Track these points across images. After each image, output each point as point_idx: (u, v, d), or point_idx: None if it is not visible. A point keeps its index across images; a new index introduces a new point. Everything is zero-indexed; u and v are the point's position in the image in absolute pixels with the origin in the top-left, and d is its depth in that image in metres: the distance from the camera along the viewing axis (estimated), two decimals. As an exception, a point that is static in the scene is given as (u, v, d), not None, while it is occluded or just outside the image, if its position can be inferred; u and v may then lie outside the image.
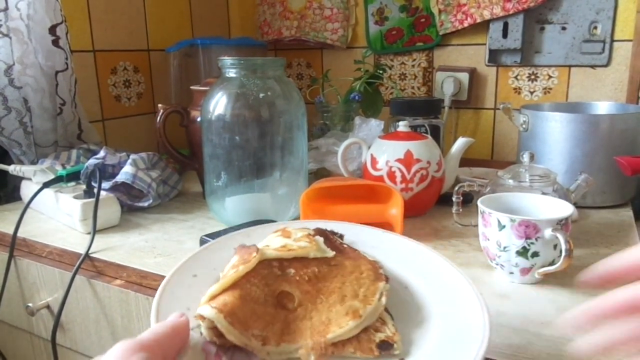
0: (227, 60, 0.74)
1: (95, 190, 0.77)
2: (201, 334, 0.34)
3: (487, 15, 1.12)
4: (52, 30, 0.93)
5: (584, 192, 0.72)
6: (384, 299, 0.37)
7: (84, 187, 0.80)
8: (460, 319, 0.37)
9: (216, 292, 0.35)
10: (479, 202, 0.59)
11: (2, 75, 0.90)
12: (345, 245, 0.44)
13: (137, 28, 1.22)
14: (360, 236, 0.47)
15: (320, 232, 0.44)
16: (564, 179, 0.78)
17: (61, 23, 0.95)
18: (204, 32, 1.40)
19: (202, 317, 0.34)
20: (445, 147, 0.96)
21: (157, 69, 1.27)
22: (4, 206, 0.92)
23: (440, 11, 1.18)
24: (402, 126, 0.82)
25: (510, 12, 1.09)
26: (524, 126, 0.87)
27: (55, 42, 0.94)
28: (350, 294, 0.37)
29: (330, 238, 0.44)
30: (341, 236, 0.46)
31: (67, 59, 0.96)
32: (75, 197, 0.78)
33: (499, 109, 1.20)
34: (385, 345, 0.35)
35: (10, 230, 0.76)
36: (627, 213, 0.81)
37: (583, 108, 0.97)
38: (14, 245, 0.75)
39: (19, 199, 0.93)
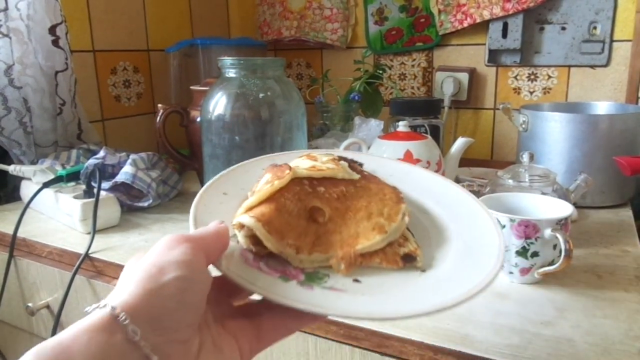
0: (227, 60, 0.74)
1: (95, 190, 0.77)
2: (237, 242, 0.36)
3: (486, 15, 1.12)
4: (52, 30, 0.93)
5: (583, 192, 0.72)
6: (406, 219, 0.39)
7: (83, 187, 0.80)
8: (477, 239, 0.40)
9: (253, 204, 0.37)
10: (478, 202, 0.59)
11: (2, 75, 0.90)
12: (366, 173, 0.45)
13: (137, 28, 1.22)
14: (378, 166, 0.49)
15: (343, 159, 0.46)
16: (564, 179, 0.78)
17: (61, 23, 0.95)
18: (204, 32, 1.40)
19: (242, 226, 0.36)
20: (444, 147, 0.96)
21: (157, 69, 1.27)
22: (4, 206, 0.92)
23: (440, 11, 1.19)
24: (402, 126, 0.82)
25: (510, 12, 1.09)
26: (523, 126, 0.87)
27: (55, 42, 0.94)
28: (376, 212, 0.40)
29: (353, 165, 0.46)
30: (361, 164, 0.47)
31: (67, 59, 0.96)
32: (75, 197, 0.78)
33: (498, 109, 1.20)
34: (408, 258, 0.37)
35: (10, 230, 0.76)
36: (627, 213, 0.81)
37: (582, 108, 0.97)
38: (14, 245, 0.75)
39: (19, 199, 0.93)
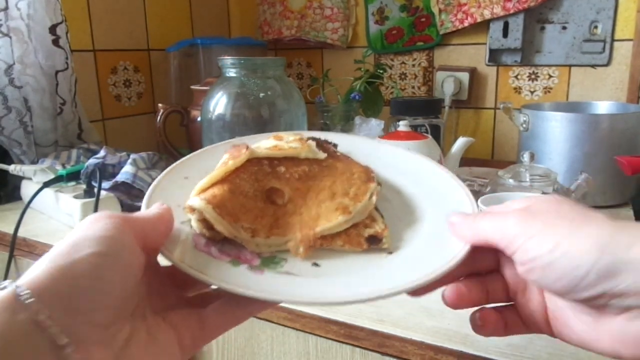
0: (227, 60, 0.74)
1: (96, 190, 0.77)
2: (191, 227, 0.34)
3: (487, 14, 1.12)
4: (52, 29, 0.93)
5: (584, 192, 0.71)
6: (374, 198, 0.37)
7: (84, 186, 0.80)
8: (446, 209, 0.37)
9: (205, 186, 0.35)
10: (479, 202, 0.59)
11: (2, 74, 0.90)
12: (338, 153, 0.43)
13: (137, 28, 1.22)
14: (354, 146, 0.46)
15: (312, 139, 0.43)
16: (564, 178, 0.78)
17: (61, 23, 0.95)
18: (204, 32, 1.40)
19: (192, 209, 0.34)
20: (445, 146, 0.96)
21: (157, 68, 1.27)
22: (4, 206, 0.92)
23: (440, 11, 1.18)
24: (403, 126, 0.82)
25: (511, 12, 1.09)
26: (524, 126, 0.87)
27: (56, 42, 0.94)
28: (340, 192, 0.37)
29: (324, 145, 0.43)
30: (335, 145, 0.44)
31: (67, 58, 0.96)
32: (76, 197, 0.78)
33: (499, 108, 1.20)
34: (373, 240, 0.35)
35: (10, 230, 0.76)
36: (628, 213, 0.81)
37: (583, 108, 0.97)
38: (14, 245, 0.75)
39: (19, 198, 0.93)
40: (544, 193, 0.65)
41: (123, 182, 0.83)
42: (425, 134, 0.83)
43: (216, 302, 0.32)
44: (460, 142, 0.84)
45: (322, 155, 0.40)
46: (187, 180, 0.40)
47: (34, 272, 0.24)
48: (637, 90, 1.01)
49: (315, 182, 0.38)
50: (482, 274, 0.35)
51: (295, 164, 0.39)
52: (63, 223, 0.81)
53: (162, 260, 0.31)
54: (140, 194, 0.86)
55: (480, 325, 0.34)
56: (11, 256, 0.75)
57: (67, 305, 0.24)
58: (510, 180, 0.69)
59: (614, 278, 0.26)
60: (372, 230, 0.36)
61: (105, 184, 0.82)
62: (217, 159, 0.40)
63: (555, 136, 0.82)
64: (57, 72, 0.96)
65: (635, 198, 0.86)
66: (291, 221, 0.36)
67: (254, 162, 0.38)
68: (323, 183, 0.38)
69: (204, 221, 0.34)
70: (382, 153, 0.46)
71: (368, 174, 0.39)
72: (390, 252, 0.35)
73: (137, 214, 0.30)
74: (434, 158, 0.77)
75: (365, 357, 0.51)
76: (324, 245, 0.35)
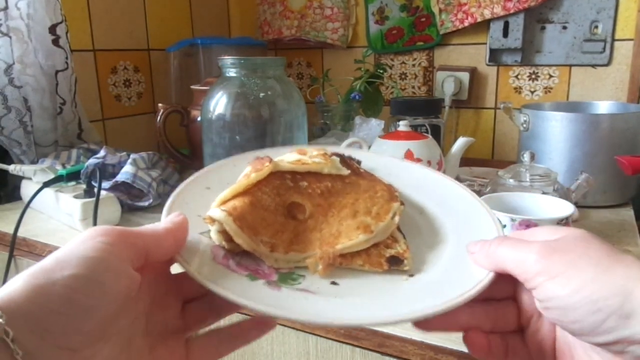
0: (228, 59, 0.74)
1: (96, 190, 0.77)
2: (210, 238, 0.34)
3: (487, 14, 1.11)
4: (52, 29, 0.93)
5: (584, 192, 0.71)
6: (397, 218, 0.37)
7: (84, 186, 0.80)
8: (473, 233, 0.36)
9: (227, 197, 0.35)
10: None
11: (2, 74, 0.90)
12: (362, 170, 0.43)
13: (137, 28, 1.22)
14: (378, 164, 0.46)
15: (337, 154, 0.42)
16: (565, 178, 0.78)
17: (61, 22, 0.94)
18: (204, 32, 1.40)
19: (212, 220, 0.34)
20: (445, 146, 0.96)
21: (157, 68, 1.27)
22: (4, 206, 0.92)
23: (440, 10, 1.18)
24: (403, 126, 0.82)
25: (511, 12, 1.09)
26: (524, 126, 0.87)
27: (55, 42, 0.94)
28: (362, 210, 0.37)
29: (347, 161, 0.43)
30: (358, 162, 0.44)
31: (67, 58, 0.96)
32: (76, 197, 0.78)
33: (499, 108, 1.20)
34: (395, 260, 0.34)
35: (10, 230, 0.76)
36: (628, 212, 0.81)
37: (584, 107, 0.97)
38: (14, 244, 0.75)
39: (19, 198, 0.93)
40: (544, 193, 0.65)
41: (123, 182, 0.83)
42: (426, 134, 0.83)
43: (204, 336, 0.32)
44: (460, 142, 0.84)
45: (345, 171, 0.40)
46: (208, 190, 0.40)
47: (12, 286, 0.24)
48: (637, 90, 1.01)
49: (337, 199, 0.38)
50: (495, 299, 0.34)
51: (318, 179, 0.38)
52: (63, 223, 0.81)
53: (176, 268, 0.31)
54: (140, 194, 0.86)
55: (471, 347, 0.33)
56: (11, 256, 0.75)
57: (35, 326, 0.23)
58: (511, 180, 0.69)
59: (636, 325, 0.25)
60: (393, 250, 0.35)
61: (105, 184, 0.82)
62: (240, 171, 0.39)
63: (556, 136, 0.82)
64: (57, 72, 0.96)
65: (635, 198, 0.86)
66: (311, 237, 0.35)
67: (277, 175, 0.37)
68: (345, 200, 0.38)
69: (223, 233, 0.33)
70: (406, 172, 0.46)
71: (391, 193, 0.39)
72: (412, 275, 0.34)
73: (142, 228, 0.30)
74: (434, 158, 0.77)
75: (365, 357, 0.51)
76: (343, 264, 0.34)
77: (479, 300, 0.31)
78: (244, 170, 0.39)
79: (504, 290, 0.33)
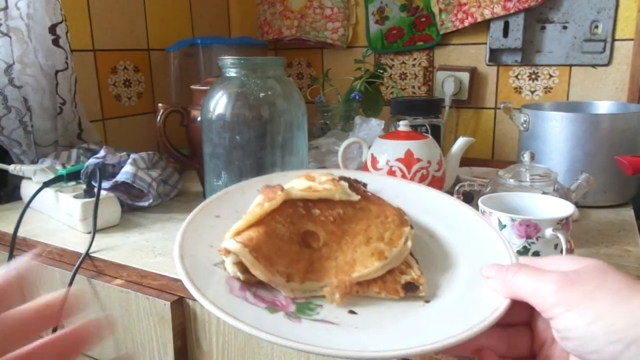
0: (228, 59, 0.74)
1: (96, 190, 0.77)
2: (224, 269, 0.34)
3: (487, 14, 1.11)
4: (52, 29, 0.93)
5: (584, 192, 0.71)
6: (409, 243, 0.37)
7: (84, 186, 0.80)
8: (485, 257, 0.37)
9: (241, 228, 0.35)
10: (479, 202, 0.59)
11: (2, 74, 0.90)
12: (369, 193, 0.43)
13: (137, 27, 1.22)
14: (384, 186, 0.46)
15: (344, 178, 0.43)
16: (565, 178, 0.78)
17: (61, 22, 0.94)
18: (204, 32, 1.40)
19: (227, 252, 0.34)
20: (445, 146, 0.96)
21: (157, 68, 1.27)
22: (4, 206, 0.92)
23: (440, 10, 1.18)
24: (403, 126, 0.82)
25: (511, 12, 1.09)
26: (524, 126, 0.87)
27: (55, 42, 0.94)
28: (375, 237, 0.37)
29: (354, 185, 0.43)
30: (364, 185, 0.45)
31: (67, 58, 0.96)
32: (76, 197, 0.78)
33: (499, 108, 1.19)
34: (410, 287, 0.35)
35: (10, 230, 0.76)
36: (628, 212, 0.81)
37: (584, 107, 0.97)
38: (14, 244, 0.75)
39: (19, 198, 0.93)
40: (544, 193, 0.65)
41: (123, 182, 0.83)
42: (426, 134, 0.83)
43: None
44: (460, 142, 0.84)
45: (355, 197, 0.40)
46: (218, 219, 0.40)
47: None
48: (637, 90, 1.01)
49: (350, 226, 0.38)
50: (511, 325, 0.34)
51: (330, 206, 0.39)
52: (63, 223, 0.81)
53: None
54: (140, 194, 0.87)
55: None
56: (11, 256, 0.75)
57: None
58: (511, 180, 0.69)
59: None
60: (408, 277, 0.35)
61: (105, 184, 0.81)
62: (249, 198, 0.40)
63: (556, 136, 0.82)
64: (57, 72, 0.96)
65: (635, 198, 0.86)
66: (326, 266, 0.36)
67: (289, 204, 0.37)
68: (358, 227, 0.38)
69: (239, 264, 0.33)
70: (412, 193, 0.46)
71: (401, 217, 0.39)
72: (428, 301, 0.34)
73: None
74: (434, 158, 0.77)
75: (366, 357, 0.50)
76: (360, 292, 0.34)
77: (494, 325, 0.32)
78: (252, 197, 0.39)
79: (520, 316, 0.34)
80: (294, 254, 0.35)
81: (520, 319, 0.34)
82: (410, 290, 0.35)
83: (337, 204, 0.39)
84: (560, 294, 0.29)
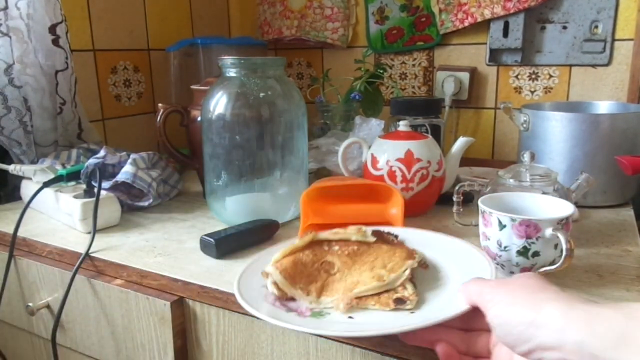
0: (228, 59, 0.74)
1: (96, 190, 0.77)
2: (266, 287, 0.48)
3: (487, 14, 1.11)
4: (52, 29, 0.93)
5: (584, 192, 0.71)
6: (407, 272, 0.48)
7: (84, 186, 0.80)
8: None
9: (278, 258, 0.50)
10: (479, 202, 0.59)
11: (2, 74, 0.90)
12: (396, 241, 0.55)
13: (137, 27, 1.22)
14: (412, 235, 0.59)
15: (377, 231, 0.55)
16: (565, 178, 0.78)
17: (61, 22, 0.94)
18: (204, 32, 1.40)
19: (266, 274, 0.49)
20: (445, 146, 0.96)
21: (158, 68, 1.27)
22: (4, 206, 0.92)
23: (440, 10, 1.18)
24: (403, 126, 0.82)
25: (511, 12, 1.09)
26: (524, 126, 0.87)
27: (55, 42, 0.94)
28: (379, 266, 0.49)
29: (384, 235, 0.55)
30: (396, 236, 0.56)
31: (67, 58, 0.96)
32: (76, 197, 0.78)
33: (499, 108, 1.19)
34: (400, 301, 0.45)
35: (10, 230, 0.76)
36: (628, 212, 0.81)
37: (584, 107, 0.97)
38: (14, 244, 0.75)
39: (19, 198, 0.93)
40: (544, 193, 0.65)
41: (123, 182, 0.83)
42: (426, 134, 0.83)
43: None
44: (460, 142, 0.84)
45: (371, 239, 0.53)
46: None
47: None
48: (637, 90, 1.01)
49: (361, 258, 0.51)
50: (473, 329, 0.43)
51: (347, 244, 0.52)
52: (63, 223, 0.81)
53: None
54: (140, 194, 0.87)
55: (440, 353, 0.41)
56: (11, 256, 0.75)
57: None
58: (511, 180, 0.69)
59: (545, 334, 0.33)
60: (400, 294, 0.46)
61: (105, 184, 0.82)
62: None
63: (556, 136, 0.82)
64: (57, 72, 0.96)
65: (635, 198, 0.86)
66: (338, 286, 0.48)
67: (316, 242, 0.52)
68: (368, 259, 0.50)
69: (274, 283, 0.48)
70: (433, 241, 0.58)
71: (410, 254, 0.50)
72: (413, 312, 0.45)
73: None
74: (434, 158, 0.78)
75: (366, 356, 0.50)
76: (359, 304, 0.46)
77: (457, 327, 0.43)
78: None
79: (481, 323, 0.40)
80: (313, 277, 0.49)
81: (481, 326, 0.41)
82: (399, 303, 0.45)
83: (354, 243, 0.52)
84: (492, 293, 0.38)
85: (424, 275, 0.51)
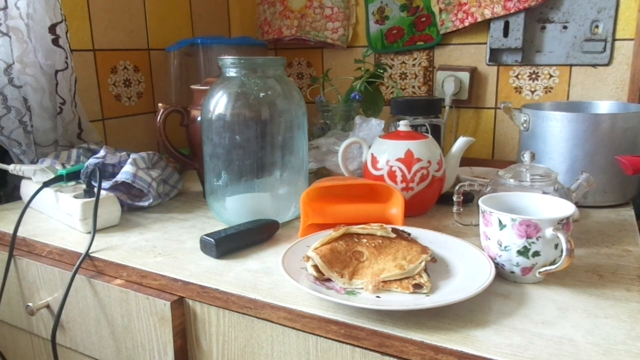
0: (228, 59, 0.74)
1: (95, 190, 0.77)
2: (307, 270, 0.57)
3: (487, 14, 1.11)
4: (52, 29, 0.93)
5: (585, 192, 0.71)
6: (423, 264, 0.57)
7: (84, 186, 0.80)
8: (475, 275, 0.56)
9: (317, 246, 0.59)
10: (480, 202, 0.59)
11: (2, 74, 0.90)
12: (409, 237, 0.64)
13: (137, 27, 1.22)
14: (423, 235, 0.68)
15: (394, 228, 0.65)
16: (565, 178, 0.78)
17: (61, 22, 0.94)
18: (204, 32, 1.40)
19: (308, 258, 0.57)
20: (445, 146, 0.96)
21: (158, 68, 1.27)
22: (4, 206, 0.92)
23: (440, 10, 1.18)
24: (403, 125, 0.82)
25: (511, 11, 1.09)
26: (524, 125, 0.87)
27: (55, 41, 0.94)
28: (400, 257, 0.58)
29: (399, 232, 0.65)
30: (408, 234, 0.66)
31: (67, 58, 0.96)
32: (76, 197, 0.78)
33: (499, 108, 1.19)
34: (417, 286, 0.54)
35: (10, 230, 0.76)
36: (629, 212, 0.81)
37: (584, 107, 0.97)
38: (14, 244, 0.75)
39: (19, 198, 0.93)
40: (544, 193, 0.65)
41: (123, 182, 0.83)
42: (426, 134, 0.83)
43: None
44: (460, 142, 0.84)
45: (392, 235, 0.63)
46: (308, 247, 0.62)
47: None
48: (637, 90, 1.01)
49: (385, 250, 0.60)
50: None
51: (374, 238, 0.62)
52: (63, 223, 0.81)
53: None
54: (140, 194, 0.86)
55: None
56: (11, 256, 0.75)
57: None
58: (511, 180, 0.69)
59: None
60: (417, 281, 0.55)
61: (105, 184, 0.81)
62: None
63: (556, 136, 0.82)
64: (56, 72, 0.96)
65: (636, 198, 0.86)
66: (366, 271, 0.57)
67: (349, 235, 0.62)
68: (391, 251, 0.60)
69: (314, 266, 0.56)
70: (440, 240, 0.66)
71: (424, 250, 0.60)
72: (428, 295, 0.53)
73: None
74: (434, 158, 0.77)
75: (366, 356, 0.50)
76: (384, 287, 0.55)
77: None
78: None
79: None
80: (346, 263, 0.58)
81: None
82: (417, 288, 0.54)
83: (379, 237, 0.62)
84: None
85: (434, 267, 0.60)
